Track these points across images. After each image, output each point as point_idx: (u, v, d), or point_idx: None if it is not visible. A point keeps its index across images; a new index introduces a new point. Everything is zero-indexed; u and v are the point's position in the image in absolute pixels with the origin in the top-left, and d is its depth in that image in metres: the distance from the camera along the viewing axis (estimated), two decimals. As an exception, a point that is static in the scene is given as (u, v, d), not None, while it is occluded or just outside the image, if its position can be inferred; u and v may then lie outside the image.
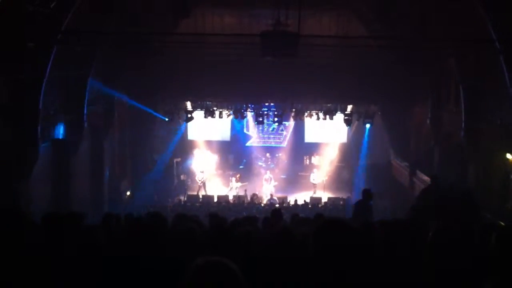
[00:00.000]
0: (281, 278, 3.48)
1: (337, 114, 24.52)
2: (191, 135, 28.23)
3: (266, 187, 25.11)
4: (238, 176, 25.71)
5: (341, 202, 23.55)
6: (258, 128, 28.16)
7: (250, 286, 2.45)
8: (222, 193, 24.60)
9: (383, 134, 25.27)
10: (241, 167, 27.93)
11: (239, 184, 25.25)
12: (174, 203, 23.19)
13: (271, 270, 3.76)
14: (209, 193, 24.89)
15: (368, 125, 25.14)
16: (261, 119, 24.88)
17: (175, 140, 27.97)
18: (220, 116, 24.94)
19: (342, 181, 27.00)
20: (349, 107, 24.96)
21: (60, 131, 16.00)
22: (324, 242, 2.81)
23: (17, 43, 11.90)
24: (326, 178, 25.94)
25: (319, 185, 25.67)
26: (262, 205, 22.43)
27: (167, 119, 24.73)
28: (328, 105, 24.61)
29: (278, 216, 8.74)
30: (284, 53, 14.45)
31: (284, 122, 26.86)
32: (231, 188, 25.19)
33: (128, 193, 23.19)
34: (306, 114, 25.02)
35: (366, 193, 11.21)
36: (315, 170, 26.44)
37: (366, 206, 10.94)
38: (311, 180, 25.77)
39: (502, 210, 13.48)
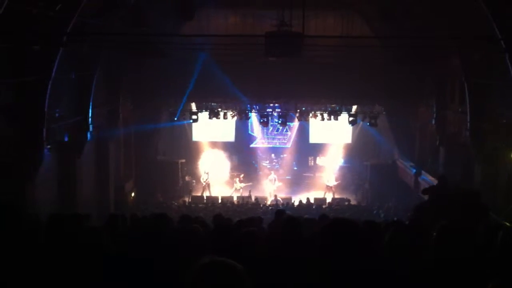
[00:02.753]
0: (285, 278, 3.48)
1: (341, 114, 24.47)
2: (195, 136, 28.27)
3: (271, 188, 25.10)
4: (241, 176, 25.71)
5: (346, 203, 23.52)
6: (262, 129, 28.16)
7: (255, 286, 2.45)
8: (227, 194, 24.62)
9: (388, 134, 25.23)
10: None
11: (243, 184, 25.25)
12: (178, 204, 23.22)
13: (276, 270, 3.76)
14: (213, 194, 24.92)
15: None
16: (265, 120, 24.86)
17: (180, 141, 28.08)
18: (225, 117, 24.94)
19: (346, 182, 26.94)
20: (354, 108, 24.93)
21: (65, 132, 16.02)
22: (330, 242, 2.82)
23: (22, 46, 11.94)
24: (339, 181, 25.84)
25: (329, 187, 25.47)
26: (267, 205, 22.43)
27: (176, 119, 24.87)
28: (333, 105, 24.58)
29: (282, 217, 8.74)
30: (288, 54, 14.44)
31: (288, 123, 26.84)
32: (235, 189, 25.20)
33: (133, 194, 23.25)
34: (310, 114, 24.99)
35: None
36: (327, 171, 26.33)
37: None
38: (326, 182, 25.59)
39: (507, 210, 13.41)
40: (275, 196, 23.90)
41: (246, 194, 24.52)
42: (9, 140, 12.56)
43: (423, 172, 21.23)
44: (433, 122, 20.36)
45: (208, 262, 2.37)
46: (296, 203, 22.64)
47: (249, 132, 28.90)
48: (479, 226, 4.78)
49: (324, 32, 19.74)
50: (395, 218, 14.39)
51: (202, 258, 2.40)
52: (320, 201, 23.32)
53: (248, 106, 24.94)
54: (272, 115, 25.18)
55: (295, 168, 28.39)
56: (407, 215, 17.13)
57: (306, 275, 3.06)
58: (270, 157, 28.33)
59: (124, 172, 22.82)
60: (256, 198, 23.56)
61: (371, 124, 24.15)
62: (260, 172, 27.86)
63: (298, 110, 24.81)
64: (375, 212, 21.13)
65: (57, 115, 14.68)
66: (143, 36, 16.40)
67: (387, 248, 3.99)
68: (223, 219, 9.12)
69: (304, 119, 25.51)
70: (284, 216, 7.10)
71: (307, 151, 28.68)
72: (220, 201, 23.45)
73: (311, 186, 26.92)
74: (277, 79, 21.21)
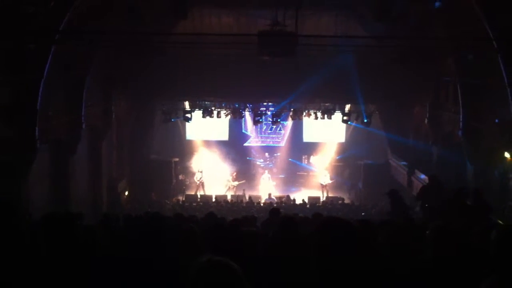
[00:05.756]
0: (282, 278, 3.48)
1: (335, 113, 24.54)
2: (189, 135, 28.27)
3: (265, 187, 25.11)
4: (234, 174, 25.68)
5: (340, 202, 23.55)
6: (256, 127, 28.19)
7: (252, 285, 2.46)
8: (221, 193, 24.59)
9: (381, 134, 25.29)
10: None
11: (236, 183, 25.23)
12: (172, 203, 23.18)
13: (272, 270, 3.76)
14: (207, 193, 24.90)
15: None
16: (259, 119, 24.88)
17: (174, 140, 28.06)
18: (218, 115, 24.96)
19: (340, 181, 26.97)
20: (347, 107, 24.99)
21: (58, 131, 15.96)
22: (325, 240, 2.82)
23: (15, 44, 11.88)
24: (333, 180, 25.80)
25: (323, 186, 25.42)
26: (261, 204, 22.43)
27: (173, 120, 24.90)
28: (326, 104, 24.63)
29: (276, 215, 8.75)
30: (281, 53, 14.45)
31: (282, 122, 26.87)
32: (228, 187, 25.18)
33: (127, 193, 23.18)
34: (304, 113, 25.02)
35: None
36: (322, 170, 26.28)
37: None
38: (320, 180, 25.52)
39: (501, 210, 13.49)
40: (269, 194, 23.90)
41: (240, 193, 24.52)
42: (2, 138, 12.49)
43: (416, 171, 21.29)
44: (427, 121, 20.41)
45: (206, 261, 2.37)
46: (290, 202, 22.65)
47: (243, 131, 28.93)
48: (474, 226, 4.81)
49: (318, 32, 19.73)
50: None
51: (199, 257, 2.41)
52: (314, 200, 23.35)
53: (242, 105, 24.98)
54: (265, 114, 25.21)
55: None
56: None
57: (301, 274, 3.07)
58: (264, 156, 28.35)
59: (118, 171, 22.75)
60: (250, 197, 23.56)
61: (364, 124, 24.24)
62: (254, 171, 27.89)
63: (292, 109, 24.84)
64: (368, 211, 21.16)
65: (50, 113, 14.62)
66: (137, 35, 16.34)
67: (382, 247, 4.01)
68: (216, 217, 9.13)
69: (298, 118, 25.55)
70: (281, 216, 7.10)
71: (301, 149, 28.73)
72: (214, 199, 23.43)
73: (305, 185, 26.97)
74: (270, 78, 21.19)
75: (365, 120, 24.24)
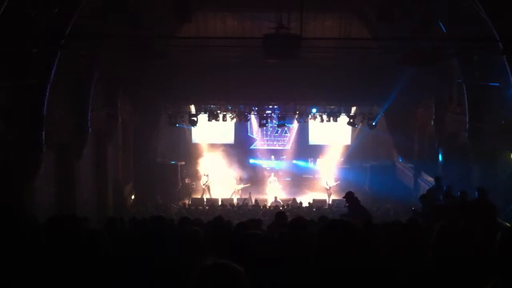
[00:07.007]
0: (285, 280, 3.48)
1: (340, 116, 24.48)
2: (195, 139, 28.29)
3: (271, 190, 25.07)
4: (238, 178, 25.65)
5: (346, 204, 23.44)
6: (262, 130, 28.18)
7: (256, 287, 2.46)
8: (227, 196, 24.57)
9: (387, 135, 25.22)
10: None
11: (241, 186, 25.18)
12: (178, 206, 23.19)
13: (276, 272, 3.76)
14: (213, 196, 24.89)
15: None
16: (264, 122, 24.86)
17: (179, 144, 28.08)
18: (224, 119, 24.92)
19: (346, 183, 26.88)
20: (353, 109, 24.93)
21: (64, 135, 16.01)
22: (328, 243, 2.82)
23: (21, 49, 11.94)
24: (339, 182, 25.66)
25: (328, 189, 25.30)
26: (267, 207, 22.40)
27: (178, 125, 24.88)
28: (332, 107, 24.58)
29: (282, 218, 8.74)
30: (286, 56, 14.45)
31: (288, 125, 26.84)
32: (235, 191, 25.15)
33: (133, 196, 23.21)
34: (309, 116, 24.98)
35: None
36: (326, 173, 26.20)
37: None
38: (324, 184, 25.42)
39: (506, 211, 13.43)
40: (275, 197, 23.86)
41: (246, 196, 24.48)
42: (8, 142, 12.55)
43: (422, 173, 21.25)
44: (432, 123, 20.36)
45: (210, 264, 2.38)
46: (296, 205, 22.60)
47: (249, 134, 28.93)
48: (478, 226, 4.79)
49: (323, 34, 19.73)
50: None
51: (204, 260, 2.41)
52: (319, 203, 23.28)
53: (247, 108, 24.96)
54: (271, 116, 25.18)
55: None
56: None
57: (305, 276, 3.07)
58: (270, 159, 28.34)
59: (123, 174, 22.79)
60: (256, 200, 23.53)
61: (369, 127, 24.14)
62: (260, 174, 27.87)
63: (297, 112, 24.82)
64: (373, 213, 21.07)
65: (56, 117, 14.68)
66: (142, 38, 16.38)
67: (385, 248, 4.00)
68: (223, 221, 9.12)
69: (303, 121, 25.51)
70: (292, 218, 7.07)
71: (306, 152, 28.68)
72: (220, 203, 23.41)
73: (311, 188, 26.88)
74: (275, 81, 21.18)
75: (374, 123, 24.05)
